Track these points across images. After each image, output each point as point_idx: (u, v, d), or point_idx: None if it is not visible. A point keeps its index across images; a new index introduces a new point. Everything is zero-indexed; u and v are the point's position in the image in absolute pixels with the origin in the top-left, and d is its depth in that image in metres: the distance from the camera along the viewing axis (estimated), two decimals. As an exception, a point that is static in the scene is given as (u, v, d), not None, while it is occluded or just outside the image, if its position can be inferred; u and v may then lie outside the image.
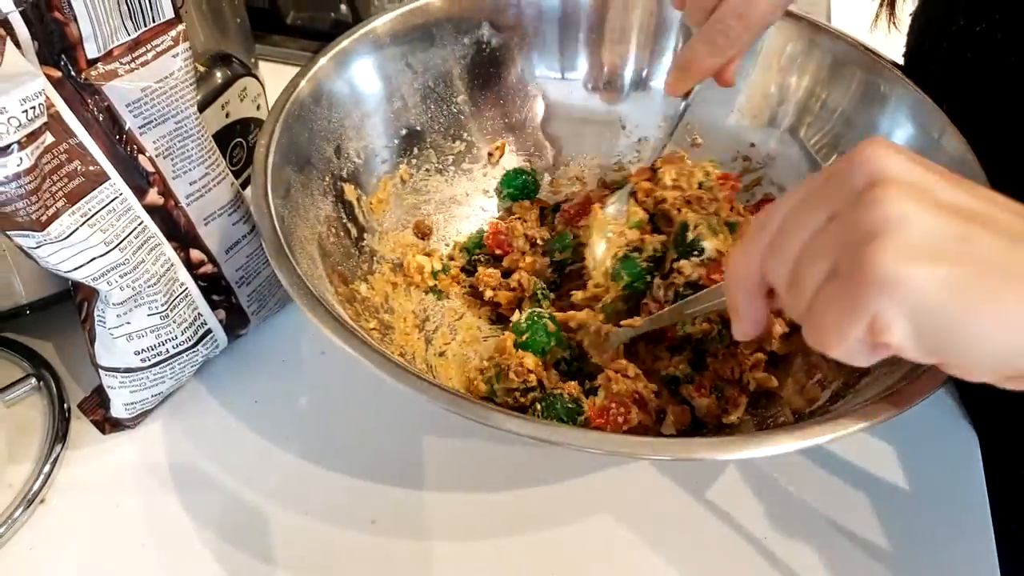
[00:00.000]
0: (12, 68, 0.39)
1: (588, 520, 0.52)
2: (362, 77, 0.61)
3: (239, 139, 0.64)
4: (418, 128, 0.65)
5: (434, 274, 0.61)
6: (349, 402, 0.57)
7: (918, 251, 0.29)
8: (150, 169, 0.48)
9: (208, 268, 0.53)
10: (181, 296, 0.52)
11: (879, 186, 0.31)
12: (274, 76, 0.70)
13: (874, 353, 0.32)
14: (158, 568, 0.49)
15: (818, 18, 0.92)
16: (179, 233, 0.51)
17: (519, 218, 0.64)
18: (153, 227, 0.49)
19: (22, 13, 0.40)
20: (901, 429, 0.57)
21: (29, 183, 0.41)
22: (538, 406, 0.52)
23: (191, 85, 0.49)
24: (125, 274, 0.47)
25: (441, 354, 0.58)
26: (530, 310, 0.56)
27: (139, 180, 0.48)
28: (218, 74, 0.60)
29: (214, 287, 0.54)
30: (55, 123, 0.43)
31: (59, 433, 0.54)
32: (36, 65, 0.41)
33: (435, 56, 0.64)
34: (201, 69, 0.60)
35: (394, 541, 0.50)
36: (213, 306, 0.54)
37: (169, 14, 0.46)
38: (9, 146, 0.39)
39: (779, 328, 0.54)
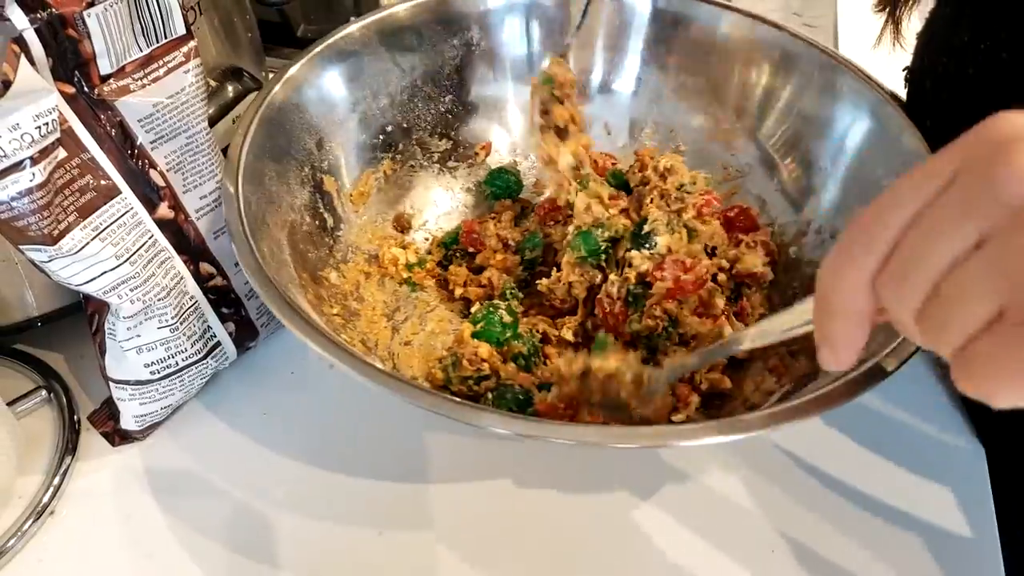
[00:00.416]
0: (26, 84, 0.40)
1: (598, 515, 0.52)
2: (349, 74, 0.62)
3: (249, 152, 0.64)
4: (404, 125, 0.66)
5: (409, 266, 0.63)
6: (357, 415, 0.57)
7: None
8: (161, 183, 0.49)
9: (218, 281, 0.53)
10: (191, 309, 0.52)
11: None
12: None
13: None
14: (166, 580, 0.49)
15: (825, 35, 0.93)
16: (189, 246, 0.51)
17: (493, 218, 0.65)
18: (163, 241, 0.49)
19: (37, 30, 0.40)
20: (908, 442, 0.57)
21: (41, 198, 0.41)
22: (489, 395, 0.53)
23: (202, 100, 0.49)
24: (135, 287, 0.47)
25: (407, 343, 0.59)
26: (488, 302, 0.58)
27: (150, 194, 0.48)
28: (229, 88, 0.61)
29: (224, 300, 0.54)
30: (68, 138, 0.43)
31: (69, 445, 0.54)
32: (50, 81, 0.42)
33: (423, 57, 0.66)
34: (213, 83, 0.60)
35: (402, 551, 0.51)
36: (222, 319, 0.55)
37: (181, 30, 0.47)
38: (22, 161, 0.40)
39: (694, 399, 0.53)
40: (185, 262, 0.51)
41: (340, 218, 0.61)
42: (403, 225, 0.66)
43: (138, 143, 0.47)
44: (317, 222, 0.58)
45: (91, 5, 0.42)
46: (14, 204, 0.41)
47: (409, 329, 0.60)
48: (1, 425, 0.50)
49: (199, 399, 0.58)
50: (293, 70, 0.58)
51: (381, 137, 0.65)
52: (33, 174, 0.40)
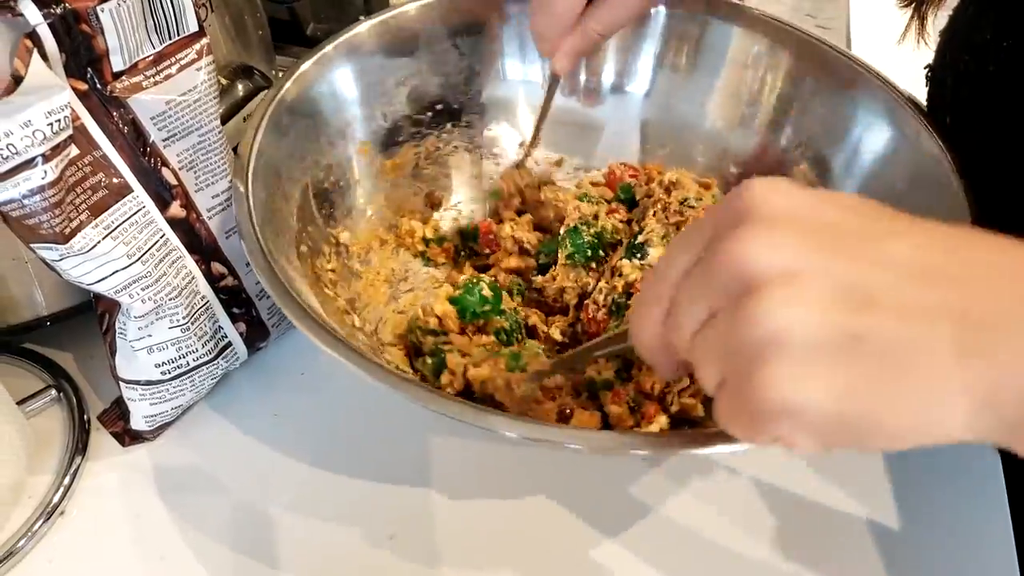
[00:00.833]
0: (39, 80, 0.39)
1: (609, 517, 0.52)
2: (403, 45, 0.62)
3: (260, 151, 0.63)
4: (455, 106, 0.66)
5: (425, 240, 0.63)
6: (367, 417, 0.57)
7: (805, 369, 0.28)
8: (173, 182, 0.48)
9: (229, 281, 0.53)
10: (202, 309, 0.51)
11: (755, 294, 0.28)
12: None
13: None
14: (176, 582, 0.49)
15: (838, 36, 0.92)
16: (201, 246, 0.51)
17: (511, 220, 0.64)
18: (175, 240, 0.49)
19: (50, 25, 0.40)
20: (922, 451, 0.56)
21: (53, 196, 0.41)
22: (428, 359, 0.54)
23: (214, 98, 0.49)
24: (147, 287, 0.47)
25: (401, 312, 0.59)
26: (475, 275, 0.59)
27: (162, 193, 0.48)
28: (240, 87, 0.61)
29: (235, 300, 0.54)
30: (80, 135, 0.43)
31: (79, 445, 0.54)
32: (63, 78, 0.41)
33: (480, 42, 0.65)
34: (224, 81, 0.60)
35: (412, 556, 0.50)
36: (233, 319, 0.54)
37: (194, 27, 0.46)
38: (34, 159, 0.39)
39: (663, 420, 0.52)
40: (197, 261, 0.50)
41: (367, 184, 0.62)
42: (434, 202, 0.66)
43: (150, 141, 0.47)
44: (341, 183, 0.59)
45: (104, 0, 0.41)
46: (26, 202, 0.40)
47: (409, 300, 0.60)
48: (11, 424, 0.50)
49: (209, 399, 0.57)
50: (359, 29, 0.61)
51: (430, 114, 0.65)
52: (45, 171, 0.40)
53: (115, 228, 0.45)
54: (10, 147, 0.38)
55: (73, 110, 0.42)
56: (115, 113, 0.45)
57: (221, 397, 0.57)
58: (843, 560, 0.51)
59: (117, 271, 0.46)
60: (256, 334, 0.57)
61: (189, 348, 0.51)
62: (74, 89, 0.42)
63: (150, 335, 0.49)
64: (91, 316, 0.53)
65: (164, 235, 0.48)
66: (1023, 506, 0.54)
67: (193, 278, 0.50)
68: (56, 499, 0.51)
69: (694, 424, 0.52)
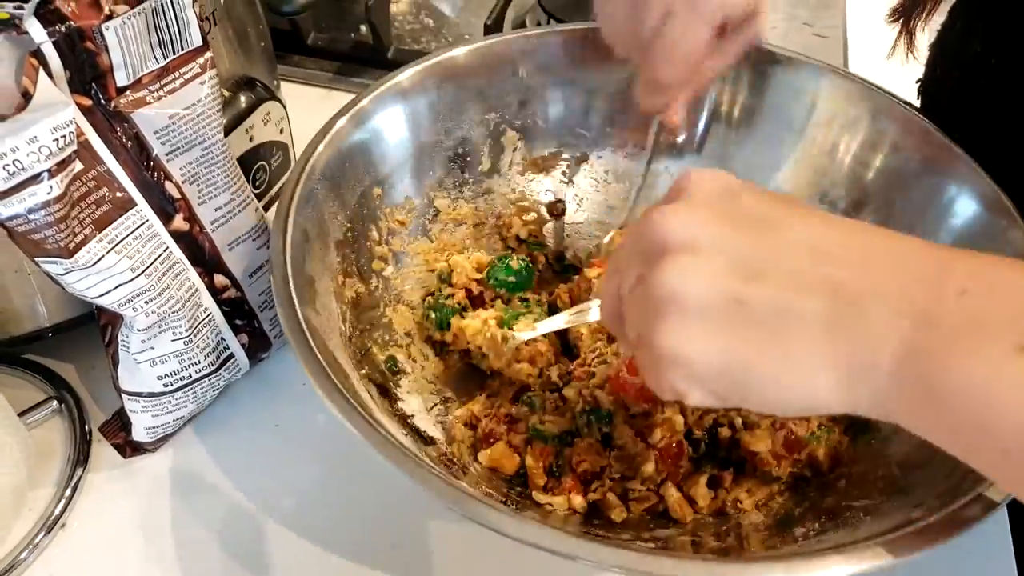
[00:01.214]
0: (44, 97, 0.40)
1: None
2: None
3: (262, 162, 0.64)
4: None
5: (518, 238, 0.64)
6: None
7: (695, 325, 0.32)
8: (176, 195, 0.48)
9: (232, 293, 0.53)
10: (205, 321, 0.52)
11: (666, 255, 0.33)
12: (295, 97, 0.70)
13: (687, 402, 0.34)
14: (178, 595, 0.49)
15: (835, 45, 0.93)
16: (204, 258, 0.51)
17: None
18: (178, 253, 0.49)
19: (55, 43, 0.40)
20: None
21: (58, 211, 0.41)
22: (432, 315, 0.57)
23: (218, 112, 0.49)
24: (151, 300, 0.47)
25: (431, 270, 0.61)
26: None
27: (165, 206, 0.48)
28: (242, 99, 0.61)
29: (237, 312, 0.54)
30: (85, 151, 0.43)
31: (80, 456, 0.54)
32: (67, 94, 0.42)
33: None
34: (226, 94, 0.60)
35: (414, 566, 0.50)
36: (236, 331, 0.54)
37: (197, 41, 0.47)
38: (40, 174, 0.40)
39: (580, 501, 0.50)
40: (200, 274, 0.51)
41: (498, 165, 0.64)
42: (556, 212, 0.66)
43: (154, 155, 0.47)
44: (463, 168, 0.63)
45: (109, 18, 0.42)
46: (31, 216, 0.40)
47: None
48: (12, 436, 0.50)
49: (211, 411, 0.57)
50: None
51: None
52: (51, 187, 0.40)
53: (119, 242, 0.45)
54: (16, 163, 0.38)
55: (78, 126, 0.42)
56: (119, 128, 0.45)
57: (223, 408, 0.57)
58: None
59: (121, 284, 0.46)
60: (258, 345, 0.57)
61: (192, 360, 0.51)
62: (78, 105, 0.43)
63: (153, 347, 0.50)
64: (92, 327, 0.53)
65: (167, 248, 0.48)
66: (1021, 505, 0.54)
67: (196, 291, 0.51)
68: (57, 511, 0.51)
69: (601, 519, 0.49)
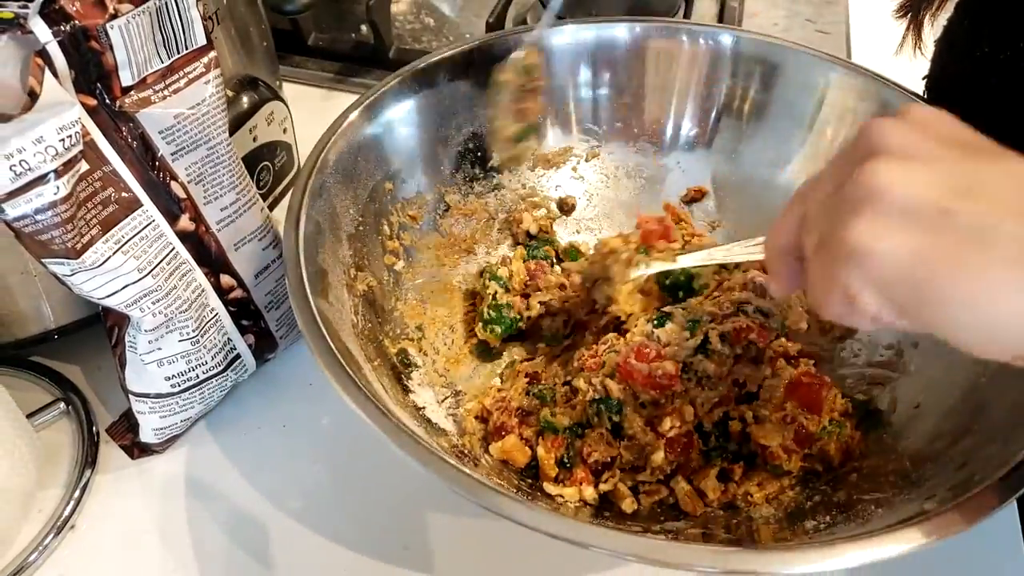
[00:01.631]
0: (50, 97, 0.39)
1: None
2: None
3: (266, 162, 0.64)
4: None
5: (528, 233, 0.64)
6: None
7: (892, 224, 0.30)
8: (182, 195, 0.48)
9: (238, 293, 0.53)
10: (211, 321, 0.52)
11: (872, 158, 0.32)
12: (296, 97, 0.70)
13: (856, 317, 0.33)
14: (188, 595, 0.49)
15: (838, 42, 0.92)
16: (210, 259, 0.51)
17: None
18: (185, 253, 0.49)
19: (60, 43, 0.40)
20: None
21: (65, 211, 0.41)
22: (497, 328, 0.58)
23: (222, 111, 0.49)
24: (157, 300, 0.47)
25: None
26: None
27: (171, 206, 0.48)
28: (245, 98, 0.61)
29: (244, 312, 0.54)
30: (90, 151, 0.43)
31: (88, 458, 0.54)
32: (72, 94, 0.42)
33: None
34: (229, 93, 0.60)
35: (427, 567, 0.50)
36: (242, 331, 0.54)
37: (201, 41, 0.47)
38: (46, 175, 0.40)
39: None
40: (206, 274, 0.51)
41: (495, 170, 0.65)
42: (566, 207, 0.66)
43: (159, 155, 0.47)
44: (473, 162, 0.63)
45: (114, 17, 0.42)
46: (38, 217, 0.40)
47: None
48: (20, 438, 0.50)
49: (218, 411, 0.57)
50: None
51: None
52: (57, 187, 0.40)
53: (125, 242, 0.45)
54: (23, 163, 0.38)
55: (83, 126, 0.42)
56: (124, 128, 0.45)
57: (230, 409, 0.57)
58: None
59: (128, 285, 0.46)
60: (265, 345, 0.57)
61: (199, 361, 0.51)
62: (83, 105, 0.43)
63: (160, 348, 0.49)
64: (99, 329, 0.53)
65: (174, 249, 0.48)
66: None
67: (203, 291, 0.50)
68: (66, 513, 0.51)
69: (612, 511, 0.49)
